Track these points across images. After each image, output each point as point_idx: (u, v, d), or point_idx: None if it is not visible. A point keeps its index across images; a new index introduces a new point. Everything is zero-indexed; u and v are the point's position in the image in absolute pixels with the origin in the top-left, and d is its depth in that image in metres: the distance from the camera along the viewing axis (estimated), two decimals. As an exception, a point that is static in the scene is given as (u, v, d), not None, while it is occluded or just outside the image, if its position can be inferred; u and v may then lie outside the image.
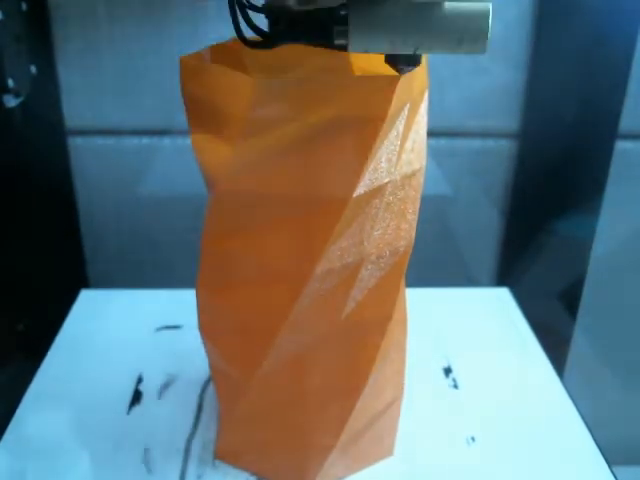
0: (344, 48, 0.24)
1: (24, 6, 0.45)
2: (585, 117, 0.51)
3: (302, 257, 0.27)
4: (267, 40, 0.26)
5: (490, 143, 0.53)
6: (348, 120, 0.25)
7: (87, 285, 0.57)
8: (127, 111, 0.51)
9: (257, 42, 0.26)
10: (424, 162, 0.29)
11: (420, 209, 0.30)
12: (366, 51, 0.24)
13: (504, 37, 0.49)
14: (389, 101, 0.24)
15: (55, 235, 0.52)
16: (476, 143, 0.53)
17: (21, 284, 0.47)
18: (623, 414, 0.63)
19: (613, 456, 0.38)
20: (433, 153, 0.53)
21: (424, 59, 0.28)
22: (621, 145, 0.52)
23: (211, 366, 0.33)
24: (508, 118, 0.52)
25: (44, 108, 0.49)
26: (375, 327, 0.30)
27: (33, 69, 0.46)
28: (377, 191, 0.26)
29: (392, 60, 0.25)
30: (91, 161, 0.53)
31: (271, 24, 0.26)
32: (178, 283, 0.50)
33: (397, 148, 0.26)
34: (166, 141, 0.52)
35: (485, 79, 0.51)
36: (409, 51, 0.24)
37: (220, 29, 0.48)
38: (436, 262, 0.57)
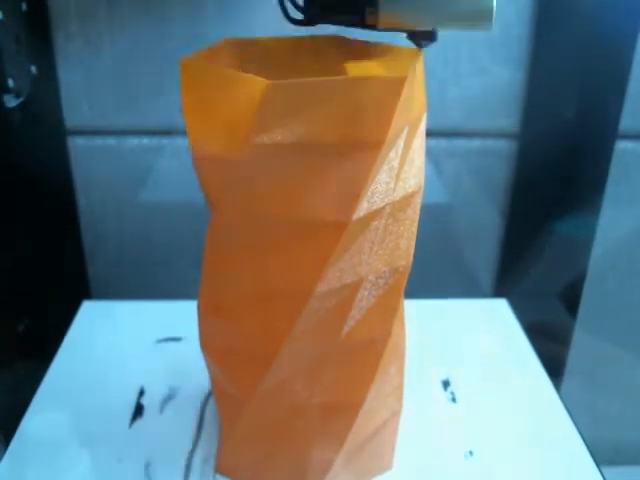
0: (374, 26, 0.27)
1: (24, 6, 0.45)
2: (585, 117, 0.50)
3: (302, 278, 0.27)
4: (308, 19, 0.29)
5: (490, 143, 0.53)
6: (348, 143, 0.25)
7: (87, 285, 0.57)
8: (127, 111, 0.51)
9: (300, 20, 0.29)
10: (422, 183, 0.29)
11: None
12: (393, 28, 0.26)
13: (504, 37, 0.49)
14: (389, 122, 0.24)
15: (55, 235, 0.52)
16: (476, 143, 0.53)
17: (21, 284, 0.47)
18: (623, 415, 0.63)
19: (612, 459, 0.38)
20: (433, 153, 0.53)
21: (422, 80, 0.28)
22: (621, 145, 0.52)
23: (212, 381, 0.34)
24: (508, 118, 0.52)
25: (44, 108, 0.49)
26: (374, 345, 0.30)
27: (33, 69, 0.46)
28: (376, 213, 0.26)
29: (412, 36, 0.28)
30: (91, 161, 0.53)
31: (307, 5, 0.29)
32: (178, 284, 0.50)
33: (396, 171, 0.26)
34: (167, 141, 0.52)
35: (485, 79, 0.51)
36: (429, 28, 0.26)
37: (220, 29, 0.48)
38: (436, 263, 0.57)
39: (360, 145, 0.25)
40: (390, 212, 0.27)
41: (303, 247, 0.26)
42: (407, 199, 0.28)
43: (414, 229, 0.29)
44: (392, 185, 0.26)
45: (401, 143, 0.26)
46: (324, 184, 0.25)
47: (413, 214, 0.29)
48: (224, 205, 0.27)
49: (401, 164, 0.27)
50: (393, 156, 0.26)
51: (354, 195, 0.25)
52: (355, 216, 0.26)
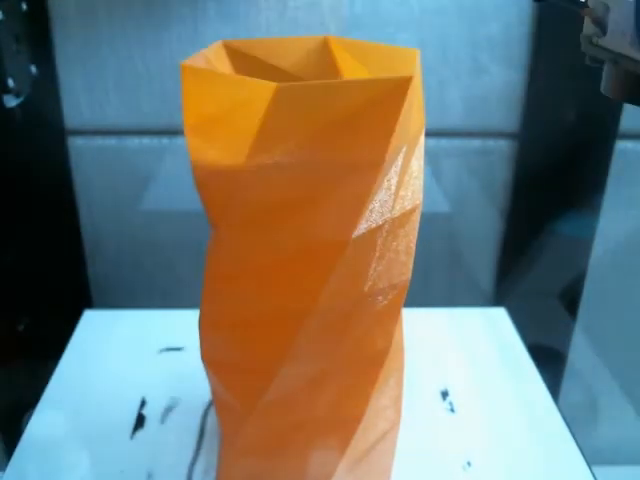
0: None
1: (24, 6, 0.45)
2: (585, 117, 0.51)
3: (302, 296, 0.27)
4: None
5: (490, 143, 0.53)
6: (347, 162, 0.24)
7: (86, 284, 0.57)
8: (128, 111, 0.51)
9: None
10: (421, 199, 0.29)
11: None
12: None
13: (504, 37, 0.49)
14: (387, 143, 0.24)
15: (55, 235, 0.52)
16: (476, 143, 0.53)
17: (21, 284, 0.47)
18: (623, 415, 0.63)
19: (612, 459, 0.38)
20: (433, 153, 0.53)
21: (420, 97, 0.27)
22: (621, 145, 0.52)
23: (213, 394, 0.34)
24: (508, 118, 0.52)
25: (44, 108, 0.49)
26: (373, 360, 0.30)
27: (33, 69, 0.46)
28: (375, 231, 0.26)
29: None
30: (91, 161, 0.53)
31: None
32: (177, 285, 0.50)
33: (394, 189, 0.26)
34: (167, 141, 0.52)
35: (485, 79, 0.51)
36: None
37: (219, 29, 0.48)
38: (435, 263, 0.57)
39: (360, 164, 0.24)
40: (389, 229, 0.27)
41: (303, 265, 0.26)
42: (406, 215, 0.28)
43: (413, 244, 0.29)
44: (390, 203, 0.26)
45: (400, 160, 0.26)
46: (324, 203, 0.25)
47: (412, 230, 0.29)
48: (225, 224, 0.27)
49: (400, 181, 0.26)
50: (392, 175, 0.26)
51: (354, 214, 0.25)
52: (354, 234, 0.25)
